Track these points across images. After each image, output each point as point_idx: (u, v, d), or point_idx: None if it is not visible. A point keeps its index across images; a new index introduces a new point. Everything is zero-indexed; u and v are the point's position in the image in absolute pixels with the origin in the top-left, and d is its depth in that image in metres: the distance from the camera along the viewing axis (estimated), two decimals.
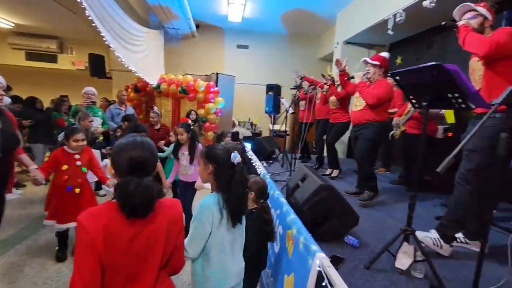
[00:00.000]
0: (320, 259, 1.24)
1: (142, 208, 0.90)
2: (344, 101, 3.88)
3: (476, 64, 1.91)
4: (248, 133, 7.37)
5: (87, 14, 2.88)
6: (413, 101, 1.67)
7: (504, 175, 1.94)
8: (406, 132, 3.72)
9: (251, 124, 7.99)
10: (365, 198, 2.77)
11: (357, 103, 2.92)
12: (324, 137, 4.39)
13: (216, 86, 6.15)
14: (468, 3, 1.85)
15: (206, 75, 6.82)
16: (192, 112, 4.99)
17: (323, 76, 4.20)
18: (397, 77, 1.63)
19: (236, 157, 1.28)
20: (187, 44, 7.94)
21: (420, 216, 2.63)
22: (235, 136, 7.09)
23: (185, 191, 2.90)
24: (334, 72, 5.18)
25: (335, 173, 4.00)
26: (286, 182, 3.26)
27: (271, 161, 4.75)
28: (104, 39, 3.35)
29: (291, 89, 3.97)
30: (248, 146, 4.98)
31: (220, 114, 6.03)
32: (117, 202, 0.89)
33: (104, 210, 0.92)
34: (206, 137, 5.82)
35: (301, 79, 4.37)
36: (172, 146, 3.43)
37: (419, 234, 1.83)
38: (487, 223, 1.93)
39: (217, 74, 6.58)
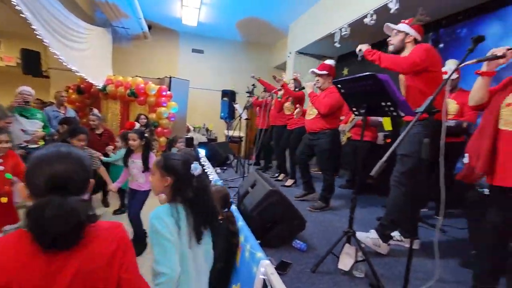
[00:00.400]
0: (264, 267, 1.22)
1: (64, 238, 0.69)
2: (299, 104, 4.00)
3: (402, 78, 2.06)
4: (203, 139, 7.22)
5: (13, 3, 2.54)
6: (354, 109, 1.77)
7: (430, 176, 2.20)
8: (351, 138, 3.97)
9: (207, 129, 7.85)
10: (316, 207, 2.87)
11: (310, 112, 3.03)
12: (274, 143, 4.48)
13: (169, 90, 5.92)
14: (389, 23, 2.04)
15: (159, 78, 6.53)
16: (142, 116, 4.71)
17: (275, 78, 4.28)
18: (339, 86, 1.72)
19: (197, 169, 1.19)
20: (139, 45, 7.55)
21: (363, 218, 2.80)
22: (189, 141, 6.88)
23: (133, 200, 2.70)
24: (288, 78, 5.34)
25: (290, 182, 4.06)
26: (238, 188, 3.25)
27: (225, 167, 4.70)
28: (36, 32, 2.99)
29: (246, 92, 3.99)
30: (202, 152, 4.86)
31: (173, 119, 5.80)
32: (29, 232, 0.68)
33: (13, 240, 0.71)
34: (158, 142, 5.55)
35: (253, 85, 4.42)
36: (121, 152, 3.18)
37: (361, 235, 1.93)
38: (416, 222, 2.12)
39: (170, 77, 6.34)
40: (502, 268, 1.43)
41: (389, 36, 2.08)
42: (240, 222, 1.71)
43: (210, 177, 3.35)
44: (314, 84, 3.08)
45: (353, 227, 1.70)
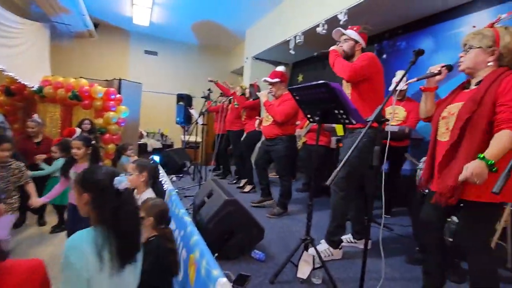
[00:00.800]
0: (221, 286, 1.14)
1: None
2: (253, 112, 4.00)
3: (346, 84, 2.11)
4: (158, 145, 6.86)
5: None
6: (308, 115, 1.79)
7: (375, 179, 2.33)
8: (306, 143, 4.08)
9: (162, 135, 7.47)
10: (274, 213, 2.87)
11: (266, 118, 3.03)
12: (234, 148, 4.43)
13: (119, 93, 5.50)
14: (339, 28, 2.10)
15: (107, 80, 6.04)
16: (86, 122, 4.28)
17: (225, 84, 4.23)
18: (294, 93, 1.72)
19: (121, 182, 1.03)
20: (83, 44, 6.92)
21: (320, 220, 2.87)
22: (142, 148, 6.49)
23: (75, 218, 2.37)
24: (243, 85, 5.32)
25: (248, 188, 4.03)
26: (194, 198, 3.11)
27: (181, 175, 4.50)
28: None
29: (202, 97, 3.88)
30: (156, 159, 4.60)
31: (123, 124, 5.39)
32: None
33: None
34: (106, 150, 5.10)
35: (209, 90, 4.32)
36: (58, 162, 2.79)
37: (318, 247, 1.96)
38: (368, 223, 2.22)
39: (120, 80, 5.91)
40: (445, 263, 1.55)
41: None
42: (196, 237, 1.60)
43: (165, 187, 3.17)
44: (269, 93, 3.10)
45: (310, 233, 1.70)
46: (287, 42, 4.91)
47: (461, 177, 1.11)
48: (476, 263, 1.29)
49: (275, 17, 5.40)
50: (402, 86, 3.01)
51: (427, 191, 1.52)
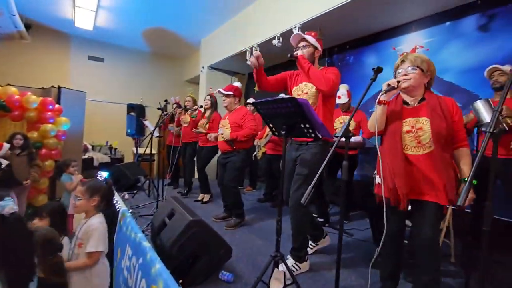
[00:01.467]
0: None
1: None
2: (215, 124, 3.90)
3: (312, 94, 2.08)
4: (106, 159, 6.28)
5: None
6: (273, 129, 1.78)
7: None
8: (266, 153, 4.10)
9: (110, 147, 6.88)
10: (231, 225, 2.81)
11: (224, 134, 2.97)
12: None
13: (58, 103, 4.92)
14: (300, 32, 2.11)
15: (43, 88, 5.38)
16: (18, 136, 3.72)
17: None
18: (258, 107, 1.70)
19: (4, 207, 0.89)
20: (13, 47, 6.10)
21: (285, 228, 2.88)
22: (88, 163, 5.87)
23: None
24: (201, 97, 5.19)
25: (206, 197, 3.92)
26: (153, 216, 2.88)
27: (135, 191, 4.15)
28: None
29: (158, 108, 3.65)
30: (104, 175, 4.18)
31: (64, 137, 4.82)
32: None
33: None
34: (43, 167, 4.49)
35: (166, 101, 4.12)
36: None
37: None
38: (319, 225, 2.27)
39: (59, 87, 5.30)
40: (399, 269, 1.65)
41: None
42: (158, 265, 1.45)
43: (117, 207, 2.87)
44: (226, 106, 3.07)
45: (280, 249, 1.67)
46: (243, 53, 4.95)
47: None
48: (430, 260, 1.40)
49: (231, 28, 5.41)
50: (344, 98, 3.23)
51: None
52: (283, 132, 1.63)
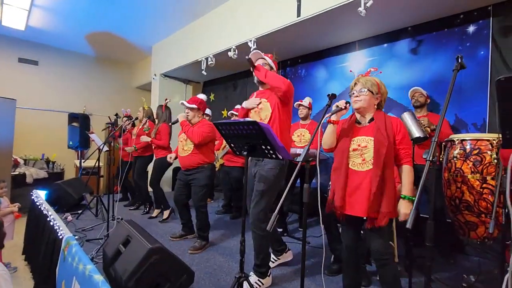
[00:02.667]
0: None
1: None
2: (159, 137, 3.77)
3: (265, 106, 2.14)
4: (43, 174, 5.58)
5: None
6: (234, 148, 1.79)
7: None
8: (224, 164, 4.09)
9: (47, 161, 6.14)
10: (196, 248, 2.69)
11: (184, 148, 2.84)
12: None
13: None
14: (258, 51, 2.22)
15: None
16: None
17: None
18: (220, 127, 1.70)
19: None
20: None
21: (249, 244, 2.89)
22: (19, 180, 5.15)
23: None
24: (153, 104, 4.96)
25: (166, 214, 3.72)
26: (104, 240, 2.65)
27: (79, 211, 3.77)
28: None
29: (107, 124, 3.35)
30: (41, 195, 3.72)
31: None
32: None
33: None
34: None
35: (116, 115, 3.85)
36: None
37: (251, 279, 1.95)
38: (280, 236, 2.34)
39: None
40: (359, 278, 1.77)
41: (249, 69, 2.20)
42: None
43: (59, 233, 2.57)
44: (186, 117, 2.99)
45: (244, 270, 1.67)
46: (198, 63, 4.88)
47: (400, 220, 1.36)
48: (390, 272, 1.54)
49: (184, 36, 5.29)
50: (302, 108, 3.45)
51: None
52: (244, 153, 1.65)
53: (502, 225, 1.74)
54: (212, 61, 4.58)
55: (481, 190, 1.80)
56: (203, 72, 4.79)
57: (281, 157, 1.56)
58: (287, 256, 2.41)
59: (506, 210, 1.69)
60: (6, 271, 1.53)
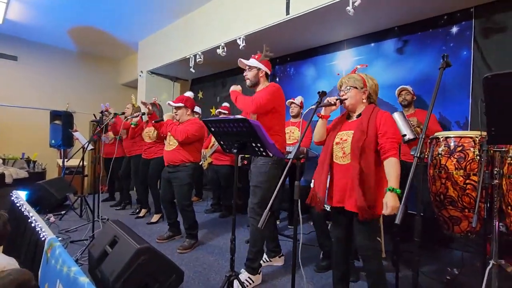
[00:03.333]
0: None
1: None
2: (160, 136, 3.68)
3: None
4: (24, 174, 5.38)
5: None
6: (224, 146, 1.78)
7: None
8: (212, 163, 4.06)
9: (28, 160, 5.92)
10: (185, 247, 2.66)
11: (170, 142, 2.79)
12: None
13: None
14: (241, 59, 2.20)
15: None
16: None
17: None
18: (209, 125, 1.68)
19: None
20: None
21: (238, 242, 2.88)
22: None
23: None
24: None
25: (155, 218, 3.64)
26: (89, 241, 2.57)
27: (63, 212, 3.64)
28: None
29: (92, 121, 3.22)
30: (22, 195, 3.58)
31: None
32: None
33: None
34: None
35: (102, 112, 3.73)
36: None
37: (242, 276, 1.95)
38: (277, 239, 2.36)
39: None
40: (348, 272, 1.79)
41: (238, 66, 2.24)
42: None
43: (42, 235, 2.48)
44: (173, 117, 2.94)
45: (234, 268, 1.66)
46: (186, 60, 4.81)
47: (386, 213, 1.33)
48: (374, 266, 1.56)
49: (172, 33, 5.20)
50: (294, 107, 3.50)
51: (328, 208, 1.74)
52: (234, 150, 1.64)
53: (484, 219, 1.81)
54: (200, 58, 4.52)
55: (465, 186, 1.85)
56: (191, 69, 4.72)
57: (271, 155, 1.56)
58: (279, 261, 2.41)
59: (488, 205, 1.75)
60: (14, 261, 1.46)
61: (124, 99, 6.07)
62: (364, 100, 1.65)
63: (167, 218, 2.96)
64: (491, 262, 1.68)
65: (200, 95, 6.30)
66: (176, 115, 2.78)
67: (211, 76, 6.06)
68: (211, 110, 5.87)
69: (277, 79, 4.90)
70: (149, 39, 5.84)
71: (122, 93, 7.34)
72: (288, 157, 1.30)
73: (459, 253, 2.61)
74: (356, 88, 1.63)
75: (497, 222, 1.69)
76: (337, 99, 1.61)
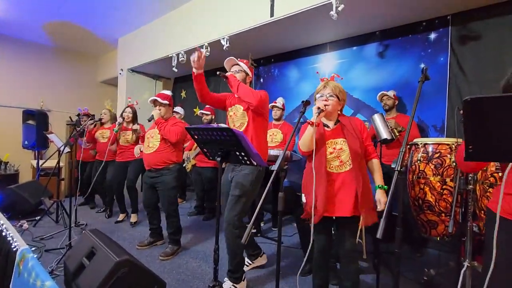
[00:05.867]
0: None
1: None
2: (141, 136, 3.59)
3: (242, 113, 2.11)
4: None
5: None
6: (208, 153, 1.74)
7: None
8: (196, 165, 4.00)
9: None
10: (168, 254, 2.59)
11: (149, 145, 2.68)
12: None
13: None
14: (233, 57, 2.17)
15: None
16: None
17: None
18: (192, 132, 1.64)
19: None
20: None
21: (222, 246, 2.86)
22: None
23: None
24: (120, 102, 4.69)
25: (134, 217, 3.57)
26: (65, 250, 2.47)
27: (37, 217, 3.47)
28: None
29: (69, 124, 3.04)
30: None
31: None
32: None
33: None
34: None
35: (78, 115, 3.58)
36: None
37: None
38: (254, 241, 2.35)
39: None
40: (328, 277, 1.82)
41: (222, 66, 2.17)
42: None
43: (13, 245, 2.35)
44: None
45: (218, 278, 1.64)
46: (169, 58, 4.69)
47: (380, 209, 1.44)
48: (355, 267, 1.62)
49: (154, 30, 5.06)
50: (275, 110, 3.50)
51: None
52: (218, 158, 1.61)
53: (459, 223, 1.88)
54: (183, 57, 4.43)
55: (442, 191, 1.92)
56: (174, 69, 4.62)
57: (255, 164, 1.54)
58: (262, 260, 2.41)
59: (463, 209, 1.83)
60: None
61: (103, 97, 5.83)
62: (338, 112, 1.71)
63: (150, 223, 2.88)
64: (465, 264, 1.76)
65: (183, 94, 6.19)
66: (160, 110, 2.69)
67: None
68: (194, 109, 5.77)
69: (261, 79, 4.89)
70: (129, 36, 5.64)
71: (101, 91, 7.07)
72: (272, 168, 1.29)
73: (436, 253, 2.71)
74: (338, 98, 1.65)
75: (471, 225, 1.77)
76: (325, 105, 1.59)
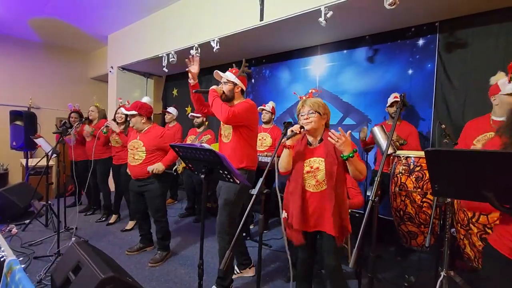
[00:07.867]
0: None
1: None
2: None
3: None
4: None
5: None
6: (193, 169, 1.76)
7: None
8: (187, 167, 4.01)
9: None
10: (157, 260, 2.62)
11: (135, 157, 2.65)
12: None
13: None
14: (218, 71, 2.16)
15: None
16: None
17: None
18: (176, 149, 1.65)
19: None
20: None
21: (210, 245, 2.92)
22: None
23: None
24: (110, 98, 4.63)
25: (131, 224, 3.57)
26: (54, 257, 2.48)
27: (27, 221, 3.46)
28: None
29: (59, 130, 2.96)
30: None
31: None
32: None
33: None
34: None
35: (64, 123, 3.53)
36: None
37: None
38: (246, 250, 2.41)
39: None
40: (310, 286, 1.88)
41: (196, 90, 2.19)
42: None
43: (0, 253, 2.35)
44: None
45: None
46: (159, 58, 4.64)
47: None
48: (338, 279, 1.66)
49: (144, 28, 4.98)
50: (265, 113, 3.51)
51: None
52: (202, 176, 1.63)
53: (437, 234, 1.95)
54: (174, 58, 4.39)
55: (422, 203, 1.98)
56: (164, 69, 4.58)
57: (238, 182, 1.57)
58: (250, 272, 2.44)
59: (441, 222, 1.89)
60: None
61: (93, 94, 5.76)
62: (323, 126, 1.69)
63: (139, 229, 2.91)
64: (442, 273, 1.84)
65: (175, 92, 6.15)
66: (131, 121, 2.65)
67: (186, 73, 5.83)
68: (186, 108, 5.75)
69: (253, 80, 4.88)
70: (119, 33, 5.55)
71: (92, 88, 6.97)
72: (252, 192, 1.32)
73: (416, 258, 2.77)
74: (319, 114, 1.64)
75: (449, 237, 1.83)
76: (300, 127, 1.60)
